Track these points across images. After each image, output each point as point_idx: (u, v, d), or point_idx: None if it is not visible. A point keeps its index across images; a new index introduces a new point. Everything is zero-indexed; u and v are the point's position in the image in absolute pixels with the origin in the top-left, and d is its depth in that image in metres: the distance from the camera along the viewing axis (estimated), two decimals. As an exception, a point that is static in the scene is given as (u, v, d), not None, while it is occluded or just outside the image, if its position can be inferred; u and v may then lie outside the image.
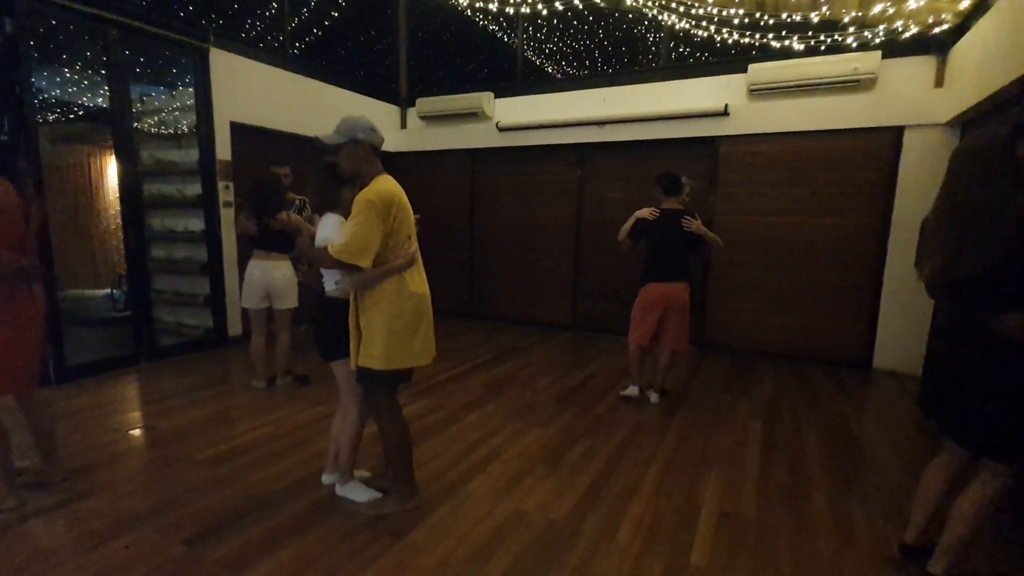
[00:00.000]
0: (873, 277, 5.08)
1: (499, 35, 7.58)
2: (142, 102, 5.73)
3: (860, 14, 4.28)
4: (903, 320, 4.97)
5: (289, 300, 4.12)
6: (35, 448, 2.67)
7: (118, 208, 7.55)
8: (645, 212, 3.93)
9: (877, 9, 4.10)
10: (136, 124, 5.14)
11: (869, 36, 4.71)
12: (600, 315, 6.46)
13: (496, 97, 6.82)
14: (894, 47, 4.79)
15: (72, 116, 7.67)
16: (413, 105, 7.34)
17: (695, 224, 3.80)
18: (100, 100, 6.98)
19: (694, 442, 3.42)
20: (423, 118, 7.26)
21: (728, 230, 5.58)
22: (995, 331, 1.77)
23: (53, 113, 7.53)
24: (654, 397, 4.14)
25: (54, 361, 4.13)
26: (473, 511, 2.55)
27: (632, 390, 4.19)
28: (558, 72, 8.08)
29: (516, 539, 2.33)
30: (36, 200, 2.55)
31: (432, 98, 7.13)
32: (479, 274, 7.33)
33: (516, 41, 7.02)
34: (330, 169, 2.42)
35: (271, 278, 4.01)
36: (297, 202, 4.19)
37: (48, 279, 2.44)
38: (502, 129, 6.65)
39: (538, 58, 7.73)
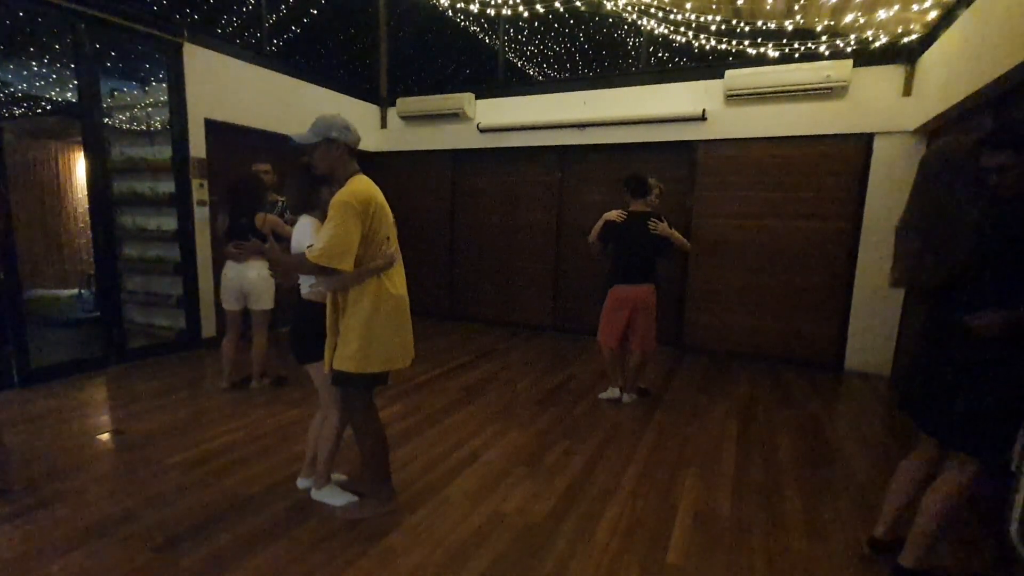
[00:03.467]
0: (844, 280, 5.20)
1: (480, 36, 7.58)
2: (112, 97, 5.58)
3: (832, 23, 4.38)
4: (873, 322, 5.09)
5: (264, 301, 4.04)
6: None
7: (87, 206, 7.35)
8: (613, 214, 3.97)
9: (849, 18, 4.19)
10: (107, 120, 4.99)
11: (841, 45, 4.82)
12: (580, 316, 6.48)
13: (477, 98, 6.80)
14: (865, 56, 4.91)
15: (40, 111, 7.44)
16: (394, 105, 7.28)
17: (661, 226, 3.84)
18: (69, 95, 6.79)
19: (671, 442, 3.46)
20: (403, 118, 7.21)
21: (705, 233, 5.67)
22: (968, 329, 1.83)
23: (19, 108, 7.30)
24: (627, 397, 4.18)
25: (17, 363, 3.99)
26: (451, 514, 2.54)
27: (612, 392, 4.22)
28: (539, 74, 8.11)
29: (494, 541, 2.32)
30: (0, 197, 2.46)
31: (413, 98, 7.08)
32: (459, 275, 7.30)
33: (498, 43, 7.02)
34: (307, 169, 2.37)
35: (245, 278, 3.93)
36: (279, 203, 4.10)
37: (8, 281, 2.35)
38: (483, 130, 6.64)
39: (519, 60, 7.75)
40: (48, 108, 7.27)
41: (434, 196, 7.26)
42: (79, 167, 7.62)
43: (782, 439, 3.57)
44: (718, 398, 4.38)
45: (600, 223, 4.00)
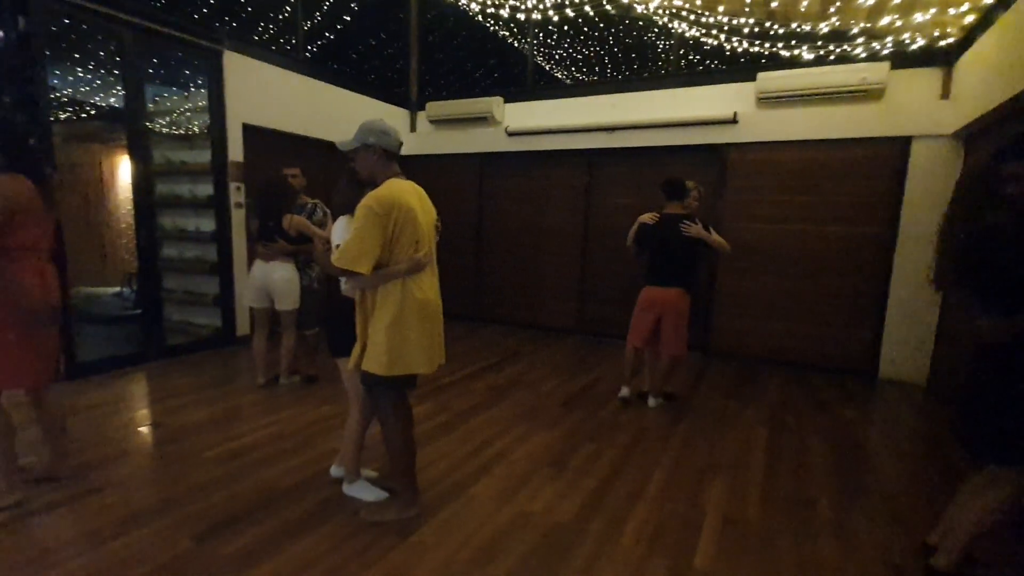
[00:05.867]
0: (879, 286, 5.08)
1: (509, 41, 7.64)
2: (155, 102, 5.79)
3: (868, 25, 4.30)
4: (909, 330, 4.96)
5: (289, 301, 4.12)
6: (44, 443, 2.70)
7: (129, 207, 7.62)
8: (646, 217, 3.98)
9: (885, 21, 4.12)
10: (149, 124, 5.20)
11: (877, 47, 4.73)
12: (606, 320, 6.47)
13: (506, 102, 6.86)
14: (902, 58, 4.81)
15: (84, 115, 7.76)
16: (423, 109, 7.39)
17: (694, 228, 3.81)
18: (113, 100, 7.07)
19: (699, 447, 3.43)
20: (432, 122, 7.31)
21: (735, 237, 5.57)
22: (975, 335, 1.89)
23: (65, 112, 7.63)
24: (652, 401, 4.16)
25: (65, 357, 4.17)
26: (478, 512, 2.57)
27: (623, 391, 4.22)
28: (567, 77, 8.13)
29: (521, 541, 2.35)
30: (53, 199, 2.59)
31: (442, 102, 7.18)
32: (485, 278, 7.35)
33: (526, 47, 7.06)
34: (353, 173, 2.43)
35: (269, 279, 4.04)
36: (309, 205, 4.20)
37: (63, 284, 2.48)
38: (511, 134, 6.69)
39: (548, 63, 7.79)
40: (92, 113, 7.60)
41: (461, 199, 7.33)
42: (121, 170, 7.91)
43: (813, 447, 3.51)
44: (747, 404, 4.33)
45: (635, 226, 4.03)
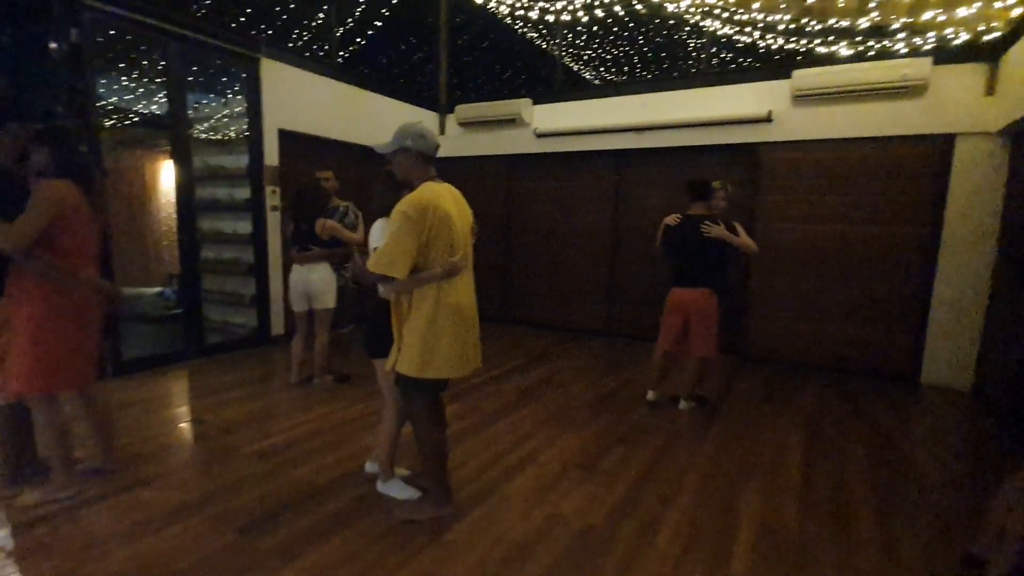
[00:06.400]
0: (921, 288, 4.92)
1: (538, 42, 7.65)
2: (195, 109, 5.98)
3: (910, 20, 4.18)
4: (954, 333, 4.79)
5: (327, 300, 4.21)
6: (93, 437, 2.82)
7: (170, 211, 7.87)
8: (670, 218, 3.98)
9: (927, 16, 4.00)
10: (189, 130, 5.37)
11: (919, 42, 4.59)
12: (635, 321, 6.42)
13: (534, 103, 6.87)
14: (945, 54, 4.65)
15: (127, 122, 8.06)
16: (452, 112, 7.46)
17: (715, 229, 3.76)
18: (155, 107, 7.33)
19: (732, 452, 3.38)
20: (462, 124, 7.36)
21: (768, 238, 5.50)
22: None
23: (110, 119, 7.94)
24: (683, 404, 4.11)
25: (112, 355, 4.34)
26: (510, 513, 2.58)
27: (650, 394, 4.21)
28: (595, 78, 8.10)
29: (553, 542, 2.35)
30: (101, 204, 2.69)
31: (471, 104, 7.23)
32: (513, 279, 7.37)
33: (555, 48, 7.07)
34: (390, 176, 2.47)
35: (307, 280, 4.14)
36: (341, 208, 4.27)
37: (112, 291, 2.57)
38: (540, 135, 6.70)
39: (576, 64, 7.77)
40: (135, 119, 7.88)
41: (489, 201, 7.36)
42: (163, 174, 8.19)
43: (852, 453, 3.42)
44: (782, 409, 4.24)
45: (661, 227, 4.03)
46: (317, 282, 4.15)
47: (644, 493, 2.82)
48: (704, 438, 3.59)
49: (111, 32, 4.49)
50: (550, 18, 5.51)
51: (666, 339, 4.05)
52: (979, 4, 3.73)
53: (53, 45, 3.89)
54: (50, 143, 2.44)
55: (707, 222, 3.79)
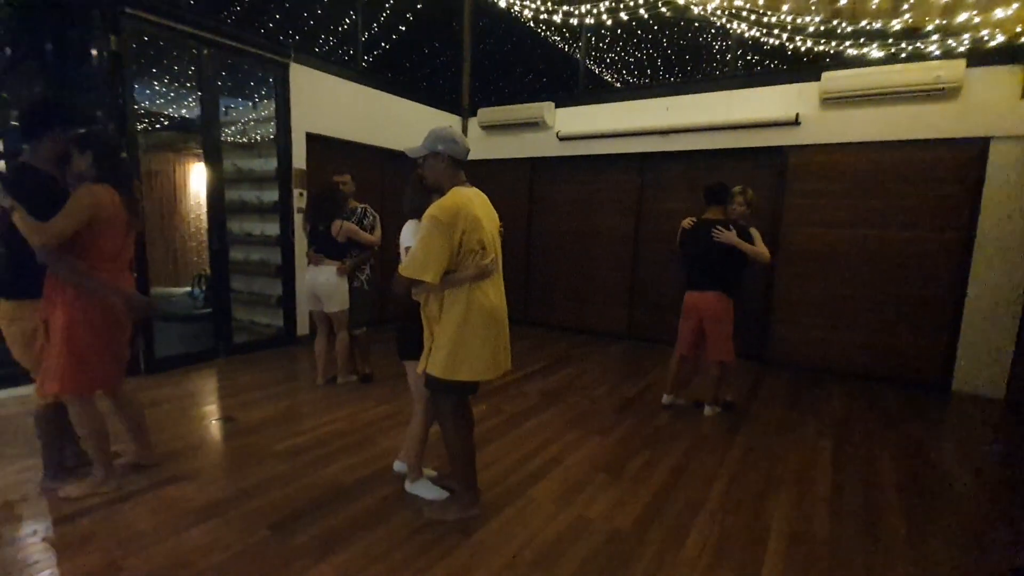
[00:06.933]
0: (953, 294, 4.82)
1: (560, 45, 7.66)
2: (225, 114, 6.11)
3: (944, 22, 4.10)
4: (987, 340, 4.68)
5: (336, 303, 4.22)
6: (128, 433, 2.89)
7: (198, 212, 8.05)
8: (686, 222, 4.02)
9: (962, 17, 3.92)
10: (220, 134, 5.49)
11: (953, 44, 4.49)
12: (656, 326, 6.38)
13: (557, 107, 6.88)
14: (979, 56, 4.55)
15: (157, 126, 8.27)
16: (475, 115, 7.50)
17: (725, 235, 3.74)
18: (184, 111, 7.51)
19: (759, 459, 3.34)
20: (484, 128, 7.40)
21: (795, 242, 5.44)
22: None
23: (142, 123, 8.15)
24: (708, 410, 4.09)
25: (144, 353, 4.45)
26: (537, 515, 2.59)
27: (665, 398, 4.23)
28: (617, 80, 8.09)
29: (582, 545, 2.35)
30: (138, 209, 2.76)
31: (493, 108, 7.27)
32: (534, 281, 7.38)
33: (578, 52, 7.07)
34: (420, 179, 2.50)
35: (316, 282, 4.19)
36: (359, 210, 4.32)
37: (140, 280, 2.61)
38: (562, 138, 6.71)
39: (599, 67, 7.76)
40: (165, 123, 8.08)
41: (511, 204, 7.38)
42: (192, 177, 8.38)
43: (882, 462, 3.36)
44: (808, 416, 4.18)
45: (679, 231, 4.06)
46: (325, 285, 4.16)
47: (671, 499, 2.81)
48: (730, 444, 3.56)
49: (145, 38, 4.62)
50: (574, 22, 5.50)
51: (683, 343, 4.06)
52: (1016, 5, 3.63)
53: (94, 52, 4.01)
54: (94, 148, 2.51)
55: (718, 227, 3.78)
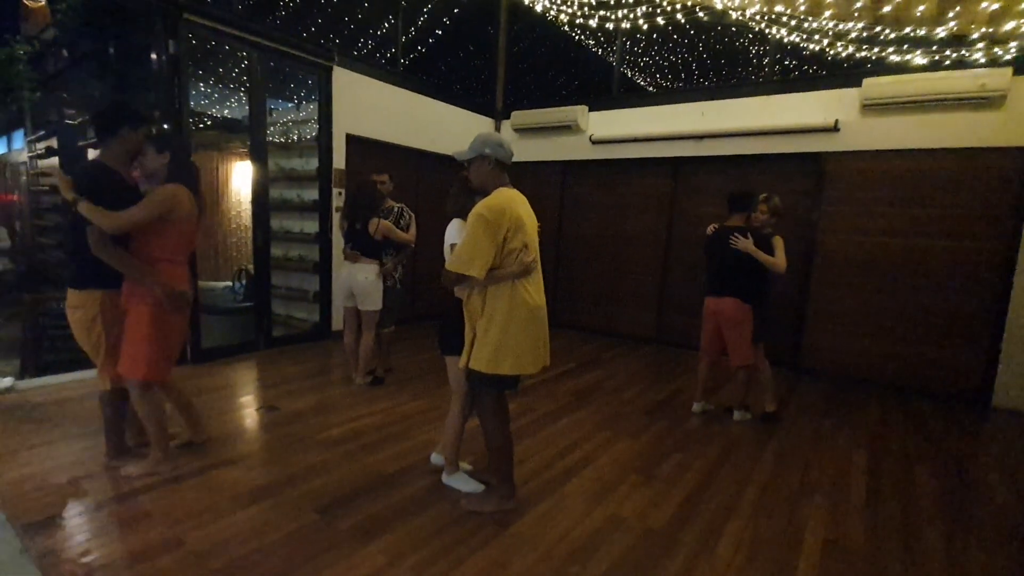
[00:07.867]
0: (996, 306, 4.71)
1: (594, 49, 7.70)
2: (270, 115, 6.32)
3: (990, 30, 4.02)
4: (1031, 355, 4.57)
5: (371, 302, 4.26)
6: (180, 414, 3.06)
7: (240, 209, 8.31)
8: (710, 228, 4.10)
9: (1010, 26, 3.84)
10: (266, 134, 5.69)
11: (999, 52, 4.40)
12: (686, 331, 6.37)
13: (590, 110, 6.92)
14: (1026, 63, 4.46)
15: (202, 125, 8.58)
16: (508, 118, 7.59)
17: (741, 242, 3.75)
18: (227, 112, 7.78)
19: (793, 465, 3.34)
20: (517, 130, 7.48)
21: (832, 249, 5.39)
22: None
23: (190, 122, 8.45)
24: (737, 415, 4.11)
25: (192, 344, 4.65)
26: (571, 511, 2.65)
27: (695, 406, 4.25)
28: (650, 84, 8.09)
29: (615, 542, 2.41)
30: (203, 208, 2.93)
31: (527, 111, 7.34)
32: (563, 283, 7.43)
33: (613, 55, 7.11)
34: (465, 181, 2.62)
35: (354, 280, 4.23)
36: (396, 209, 4.43)
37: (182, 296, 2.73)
38: (595, 142, 6.75)
39: (633, 71, 7.77)
40: (209, 123, 8.38)
41: (542, 206, 7.42)
42: (234, 176, 8.66)
43: (919, 474, 3.33)
44: (842, 425, 4.15)
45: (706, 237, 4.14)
46: (363, 283, 4.20)
47: (703, 501, 2.84)
48: (763, 450, 3.56)
49: (194, 41, 4.82)
50: (610, 26, 5.54)
51: (703, 348, 4.15)
52: (1069, 12, 3.56)
53: (153, 55, 4.22)
54: (172, 149, 2.69)
55: (736, 234, 3.79)
